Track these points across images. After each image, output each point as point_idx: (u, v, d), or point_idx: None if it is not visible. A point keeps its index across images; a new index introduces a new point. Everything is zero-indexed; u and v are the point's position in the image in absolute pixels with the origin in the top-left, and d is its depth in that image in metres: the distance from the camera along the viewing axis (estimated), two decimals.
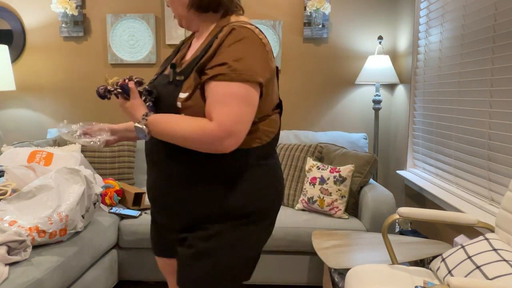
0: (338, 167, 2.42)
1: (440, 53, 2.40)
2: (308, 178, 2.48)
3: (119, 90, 1.12)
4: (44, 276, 1.58)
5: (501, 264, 1.28)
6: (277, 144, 2.73)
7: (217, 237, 1.11)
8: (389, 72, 2.85)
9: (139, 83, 1.14)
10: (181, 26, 1.22)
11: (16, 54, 3.11)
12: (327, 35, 3.06)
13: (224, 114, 1.01)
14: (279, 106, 1.23)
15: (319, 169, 2.46)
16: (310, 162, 2.53)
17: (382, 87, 3.16)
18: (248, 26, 1.08)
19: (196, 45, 1.19)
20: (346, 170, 2.39)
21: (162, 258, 1.35)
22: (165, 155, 1.13)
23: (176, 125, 1.04)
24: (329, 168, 2.44)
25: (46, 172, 2.04)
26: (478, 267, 1.33)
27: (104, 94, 1.14)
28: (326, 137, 2.89)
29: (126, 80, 1.12)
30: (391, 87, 3.17)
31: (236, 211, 1.12)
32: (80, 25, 3.08)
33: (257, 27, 1.12)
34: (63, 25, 3.06)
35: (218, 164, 1.10)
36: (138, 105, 1.11)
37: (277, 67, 1.18)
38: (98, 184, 2.38)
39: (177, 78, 1.10)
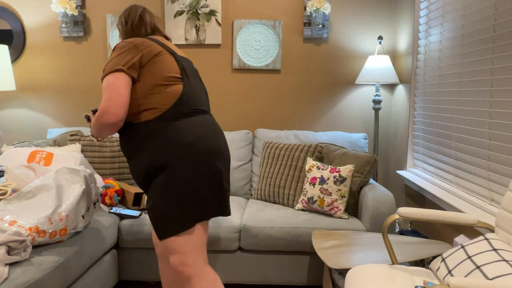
0: (338, 167, 2.42)
1: (440, 53, 2.40)
2: (308, 178, 2.48)
3: (85, 118, 1.66)
4: (44, 276, 1.58)
5: (501, 264, 1.28)
6: (278, 145, 2.74)
7: (151, 189, 1.52)
8: (389, 72, 2.85)
9: (95, 112, 1.62)
10: None
11: (16, 54, 3.11)
12: (327, 35, 3.06)
13: (103, 100, 1.47)
14: (181, 80, 1.59)
15: (319, 169, 2.46)
16: (310, 162, 2.53)
17: (382, 87, 3.16)
18: (126, 40, 1.58)
19: None
20: (346, 170, 2.39)
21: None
22: (120, 145, 1.65)
23: (94, 120, 1.52)
24: (329, 168, 2.44)
25: (46, 172, 2.04)
26: (478, 267, 1.33)
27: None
28: (326, 137, 2.89)
29: (91, 112, 1.63)
30: (391, 87, 3.17)
31: (150, 167, 1.50)
32: (80, 25, 3.08)
33: (140, 38, 1.60)
34: (63, 25, 3.06)
35: (135, 137, 1.53)
36: (91, 124, 1.58)
37: (173, 53, 1.61)
38: (98, 184, 2.38)
39: None
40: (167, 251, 1.53)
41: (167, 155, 1.48)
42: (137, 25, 1.72)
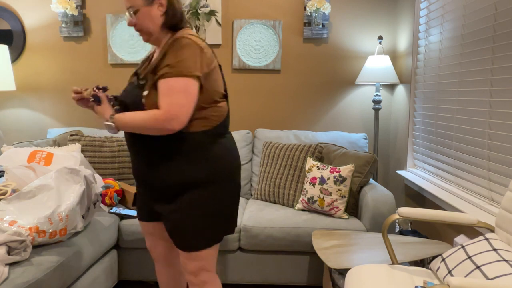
0: (338, 167, 2.42)
1: (440, 53, 2.40)
2: (308, 178, 2.48)
3: (92, 100, 1.48)
4: (44, 276, 1.58)
5: (501, 264, 1.28)
6: (278, 145, 2.74)
7: (178, 202, 1.46)
8: (389, 72, 2.85)
9: (104, 90, 1.51)
10: (147, 41, 1.51)
11: (16, 54, 3.11)
12: (327, 35, 3.06)
13: (168, 103, 1.34)
14: (226, 97, 1.56)
15: (319, 169, 2.46)
16: (310, 162, 2.53)
17: (382, 87, 3.16)
18: (189, 36, 1.40)
19: (156, 56, 1.51)
20: (346, 170, 2.39)
21: (143, 222, 1.70)
22: (140, 143, 1.47)
23: (135, 118, 1.38)
24: (329, 168, 2.44)
25: (46, 172, 2.04)
26: (478, 267, 1.33)
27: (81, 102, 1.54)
28: (326, 137, 2.89)
29: (96, 90, 1.49)
30: (391, 87, 3.17)
31: (190, 179, 1.44)
32: (80, 25, 3.08)
33: (198, 37, 1.46)
34: (63, 25, 3.06)
35: (176, 144, 1.43)
36: (106, 109, 1.47)
37: (220, 66, 1.54)
38: (98, 184, 2.38)
39: (140, 82, 1.45)
40: (188, 258, 1.51)
41: (214, 171, 1.45)
42: (182, 13, 1.51)
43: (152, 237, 1.73)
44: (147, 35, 1.49)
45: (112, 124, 1.43)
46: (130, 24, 1.48)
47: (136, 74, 1.53)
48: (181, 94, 1.34)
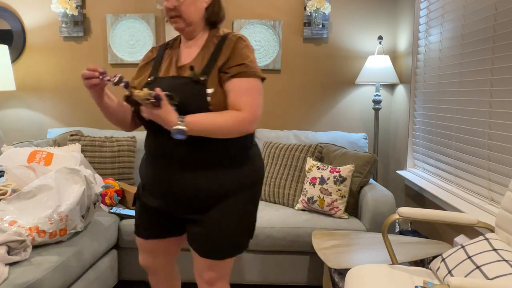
0: (338, 167, 2.42)
1: (440, 53, 2.40)
2: (308, 178, 2.48)
3: (153, 101, 1.20)
4: (44, 276, 1.58)
5: (501, 264, 1.28)
6: (278, 145, 2.74)
7: (219, 208, 1.35)
8: (389, 72, 2.85)
9: (126, 85, 1.26)
10: (181, 30, 1.38)
11: (16, 54, 3.11)
12: (327, 35, 3.06)
13: (250, 103, 1.28)
14: None
15: (319, 169, 2.46)
16: (310, 162, 2.53)
17: (382, 87, 3.16)
18: (244, 37, 1.37)
19: (192, 51, 1.40)
20: (346, 170, 2.39)
21: (147, 240, 1.52)
22: (180, 150, 1.32)
23: (214, 121, 1.26)
24: (329, 168, 2.44)
25: (46, 172, 2.04)
26: (478, 267, 1.33)
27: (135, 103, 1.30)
28: (326, 137, 2.89)
29: (156, 90, 1.21)
30: (391, 87, 3.17)
31: (235, 185, 1.36)
32: (80, 25, 3.08)
33: None
34: (63, 25, 3.06)
35: (224, 149, 1.34)
36: (170, 111, 1.24)
37: None
38: (98, 184, 2.38)
39: (201, 78, 1.30)
40: (209, 267, 1.42)
41: (255, 174, 1.41)
42: (224, 12, 1.45)
43: (153, 254, 1.56)
44: (184, 24, 1.36)
45: (185, 128, 1.24)
46: (169, 6, 1.33)
47: (190, 67, 1.33)
48: (259, 95, 1.31)
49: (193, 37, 1.41)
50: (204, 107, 1.28)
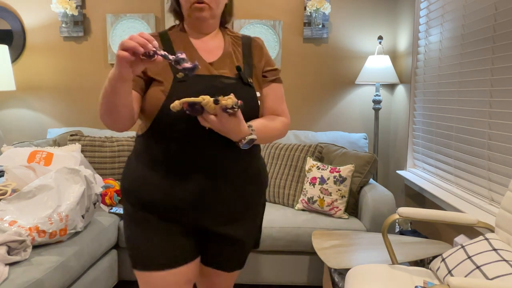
0: (338, 167, 2.42)
1: (440, 53, 2.40)
2: (308, 178, 2.48)
3: (236, 109, 1.03)
4: (44, 276, 1.58)
5: (501, 264, 1.28)
6: (278, 145, 2.74)
7: (249, 216, 1.29)
8: (389, 72, 2.85)
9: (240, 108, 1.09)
10: (203, 20, 1.20)
11: (16, 54, 3.11)
12: (327, 35, 3.06)
13: (286, 109, 1.30)
14: None
15: (319, 169, 2.46)
16: (310, 162, 2.53)
17: (382, 87, 3.16)
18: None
19: (211, 47, 1.24)
20: (346, 170, 2.39)
21: (180, 268, 1.19)
22: (232, 160, 1.18)
23: (272, 127, 1.21)
24: (329, 168, 2.43)
25: (46, 172, 2.04)
26: (478, 267, 1.33)
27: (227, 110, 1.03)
28: (326, 137, 2.89)
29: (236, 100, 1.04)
30: (391, 87, 3.17)
31: (264, 189, 1.33)
32: (80, 25, 3.08)
33: None
34: (63, 25, 3.06)
35: (256, 155, 1.28)
36: (242, 119, 1.09)
37: None
38: (98, 184, 2.38)
39: (249, 80, 1.21)
40: (232, 278, 1.37)
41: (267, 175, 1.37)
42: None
43: (190, 284, 1.26)
44: (210, 14, 1.20)
45: (256, 137, 1.12)
46: None
47: (237, 67, 1.21)
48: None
49: (209, 31, 1.26)
50: (256, 113, 1.20)
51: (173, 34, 1.26)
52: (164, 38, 1.23)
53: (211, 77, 1.16)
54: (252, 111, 1.18)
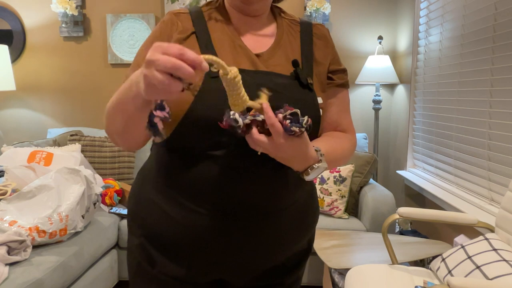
0: (338, 167, 2.42)
1: (440, 53, 2.40)
2: None
3: (303, 130, 0.71)
4: (44, 276, 1.58)
5: (501, 264, 1.28)
6: None
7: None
8: (389, 72, 2.85)
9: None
10: (255, 3, 0.88)
11: (16, 54, 3.11)
12: None
13: (352, 124, 0.99)
14: None
15: None
16: None
17: (382, 87, 3.16)
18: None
19: (258, 33, 0.92)
20: (346, 170, 2.39)
21: None
22: (278, 193, 0.85)
23: (342, 149, 0.89)
24: None
25: (46, 172, 2.04)
26: (478, 267, 1.33)
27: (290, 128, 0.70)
28: None
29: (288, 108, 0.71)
30: (391, 87, 3.17)
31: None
32: (80, 25, 3.08)
33: None
34: (63, 25, 3.06)
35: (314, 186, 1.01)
36: (308, 142, 0.75)
37: None
38: (98, 184, 2.38)
39: (309, 80, 0.87)
40: None
41: None
42: None
43: None
44: None
45: (327, 165, 0.78)
46: None
47: (293, 62, 0.87)
48: None
49: (258, 14, 0.92)
50: (316, 126, 0.87)
51: (208, 12, 0.91)
52: (197, 17, 0.89)
53: (258, 73, 0.84)
54: (316, 123, 0.86)
